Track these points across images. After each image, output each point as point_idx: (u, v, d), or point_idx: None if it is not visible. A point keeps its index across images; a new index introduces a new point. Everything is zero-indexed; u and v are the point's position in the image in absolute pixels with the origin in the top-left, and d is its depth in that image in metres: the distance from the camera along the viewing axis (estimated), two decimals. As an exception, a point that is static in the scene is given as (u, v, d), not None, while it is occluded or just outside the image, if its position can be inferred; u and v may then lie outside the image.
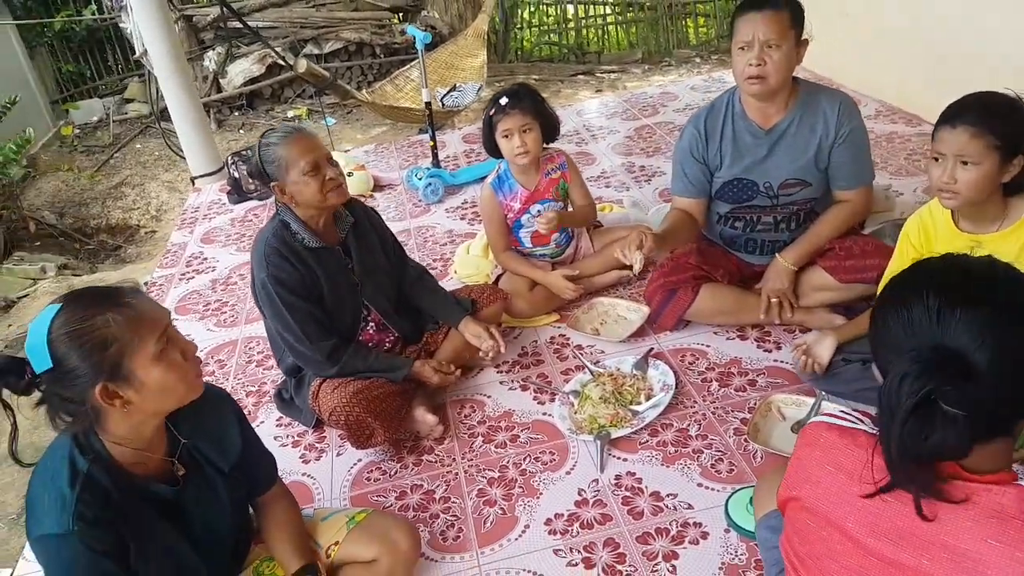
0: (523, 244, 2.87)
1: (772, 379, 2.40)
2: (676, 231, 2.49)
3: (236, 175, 4.26)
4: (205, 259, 3.76)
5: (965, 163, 1.76)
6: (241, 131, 6.85)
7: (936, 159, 1.81)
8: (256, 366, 2.87)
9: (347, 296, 2.34)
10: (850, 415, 1.20)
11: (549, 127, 2.67)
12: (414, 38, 3.83)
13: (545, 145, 2.74)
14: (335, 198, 2.20)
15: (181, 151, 4.82)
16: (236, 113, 7.14)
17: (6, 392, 1.33)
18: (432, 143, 3.97)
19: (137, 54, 4.39)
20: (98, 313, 1.30)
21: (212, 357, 2.96)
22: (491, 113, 2.62)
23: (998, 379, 0.96)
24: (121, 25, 4.98)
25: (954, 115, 1.77)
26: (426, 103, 3.91)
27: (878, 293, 1.16)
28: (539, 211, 2.77)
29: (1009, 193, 1.86)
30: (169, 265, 3.76)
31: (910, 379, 0.97)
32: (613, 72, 7.75)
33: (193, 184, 4.68)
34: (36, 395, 1.35)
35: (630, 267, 2.27)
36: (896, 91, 4.20)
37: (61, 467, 1.34)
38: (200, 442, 1.56)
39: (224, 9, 5.76)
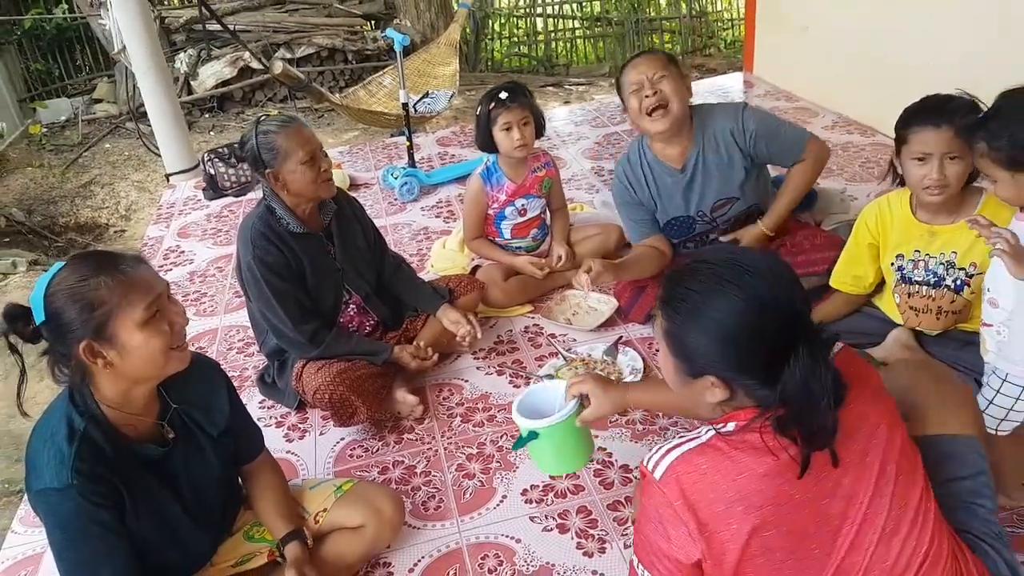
0: (502, 235, 3.00)
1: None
2: (636, 261, 2.61)
3: (212, 172, 4.31)
4: (182, 252, 3.80)
5: (953, 158, 1.92)
6: (211, 133, 6.87)
7: (921, 159, 1.95)
8: (237, 353, 2.93)
9: (329, 280, 2.43)
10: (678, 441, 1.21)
11: (539, 123, 2.81)
12: (393, 40, 3.94)
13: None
14: (325, 190, 2.31)
15: (156, 148, 4.85)
16: (206, 115, 7.16)
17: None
18: (408, 143, 4.09)
19: (115, 50, 4.41)
20: (93, 275, 1.38)
21: (193, 344, 3.01)
22: (490, 108, 2.73)
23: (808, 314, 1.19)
24: (99, 22, 5.00)
25: (935, 116, 1.92)
26: (403, 104, 4.02)
27: (666, 312, 1.24)
28: (523, 205, 2.92)
29: (963, 186, 2.01)
30: (147, 259, 3.79)
31: (814, 352, 1.11)
32: (581, 85, 7.94)
33: (168, 180, 4.71)
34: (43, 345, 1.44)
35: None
36: (851, 104, 4.42)
37: (60, 425, 1.43)
38: (190, 407, 1.64)
39: (202, 10, 5.80)
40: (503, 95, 2.73)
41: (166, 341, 1.45)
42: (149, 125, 5.61)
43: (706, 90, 5.36)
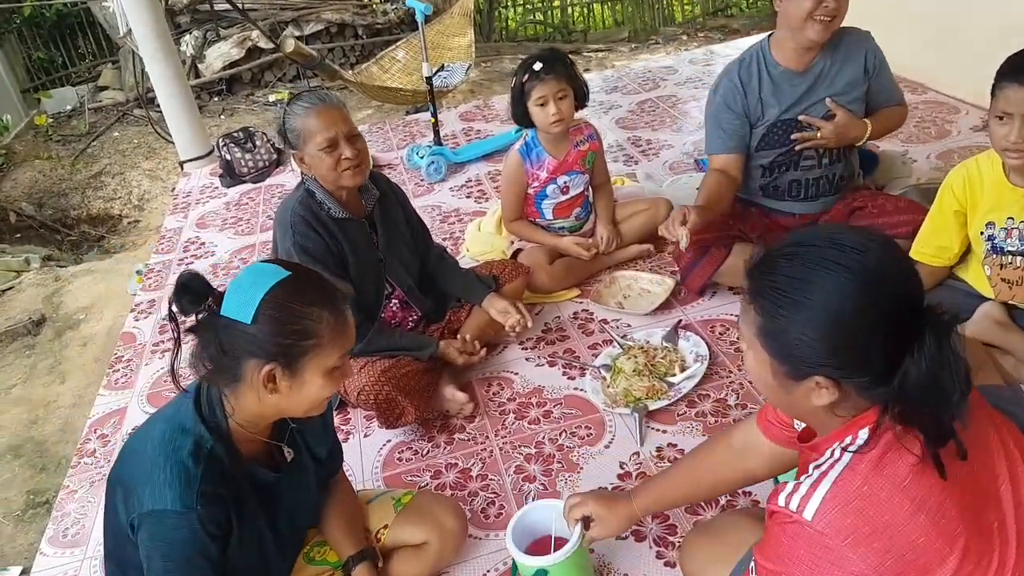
0: (543, 216, 2.80)
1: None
2: (715, 200, 2.41)
3: (228, 157, 4.13)
4: (203, 244, 3.63)
5: None
6: (221, 116, 6.67)
7: (1000, 117, 1.77)
8: (267, 350, 2.77)
9: (371, 271, 2.26)
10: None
11: (580, 93, 2.60)
12: (414, 10, 3.72)
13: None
14: (349, 178, 2.11)
15: (168, 135, 4.67)
16: (216, 99, 6.95)
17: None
18: (433, 120, 3.88)
19: (120, 34, 4.21)
20: (318, 305, 1.27)
21: (220, 342, 2.85)
22: (524, 80, 2.53)
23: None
24: (102, 4, 4.79)
25: (1019, 73, 1.72)
26: (427, 78, 3.80)
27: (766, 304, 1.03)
28: (565, 183, 2.71)
29: None
30: (165, 251, 3.63)
31: (939, 339, 0.94)
32: (600, 51, 7.67)
33: (182, 168, 4.54)
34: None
35: (676, 243, 2.21)
36: (900, 61, 4.17)
37: (183, 438, 1.27)
38: (306, 427, 1.52)
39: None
40: (537, 66, 2.51)
41: (334, 391, 1.36)
42: (158, 111, 5.46)
43: (739, 50, 5.10)
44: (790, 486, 1.03)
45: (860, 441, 1.00)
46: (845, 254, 0.97)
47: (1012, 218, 1.96)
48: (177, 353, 1.31)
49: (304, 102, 2.08)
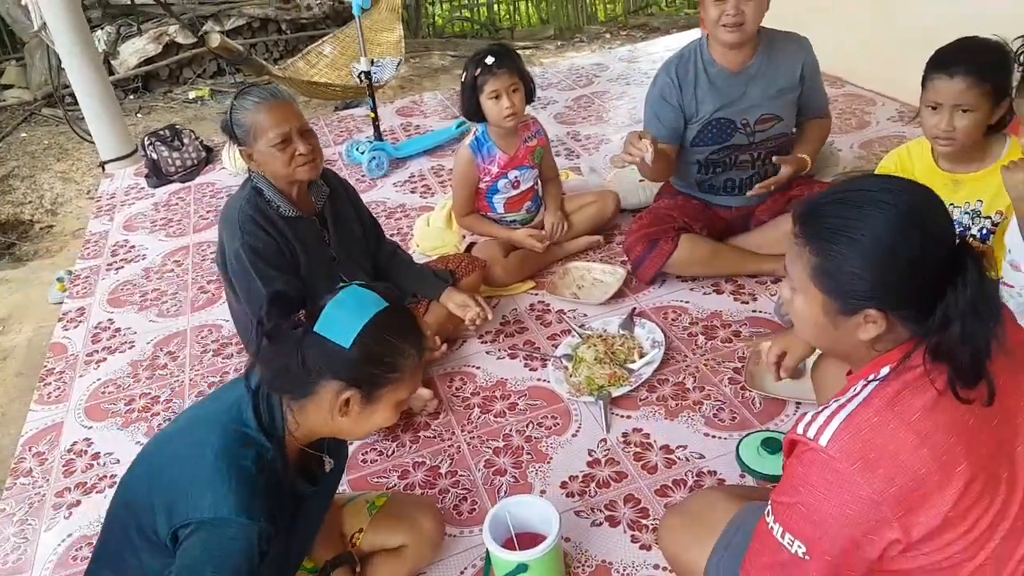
0: (495, 210, 2.79)
1: (755, 328, 2.44)
2: (664, 153, 2.44)
3: (154, 157, 3.95)
4: (132, 247, 3.46)
5: (964, 111, 1.82)
6: (138, 115, 6.37)
7: (933, 108, 1.86)
8: (213, 355, 2.66)
9: (323, 269, 2.20)
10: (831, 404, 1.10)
11: (530, 88, 2.60)
12: (341, 4, 3.65)
13: None
14: (303, 173, 2.06)
15: (87, 134, 4.43)
16: (131, 96, 6.63)
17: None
18: (373, 115, 3.81)
19: (34, 28, 3.96)
20: (408, 342, 1.30)
21: (161, 350, 2.73)
22: (476, 74, 2.51)
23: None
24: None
25: (950, 64, 1.81)
26: (365, 73, 3.73)
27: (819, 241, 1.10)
28: (516, 177, 2.72)
29: (988, 133, 1.93)
30: (92, 256, 3.44)
31: (974, 279, 1.01)
32: (528, 48, 7.69)
33: (103, 169, 4.31)
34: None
35: (640, 160, 2.25)
36: (820, 56, 4.35)
37: (245, 448, 1.24)
38: (332, 440, 1.49)
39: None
40: (489, 60, 2.51)
41: (387, 423, 1.36)
42: (72, 109, 5.17)
43: (668, 48, 5.21)
44: (809, 416, 1.10)
45: (880, 377, 1.08)
46: (891, 195, 1.06)
47: (942, 200, 2.07)
48: (255, 357, 1.29)
49: (253, 97, 2.01)
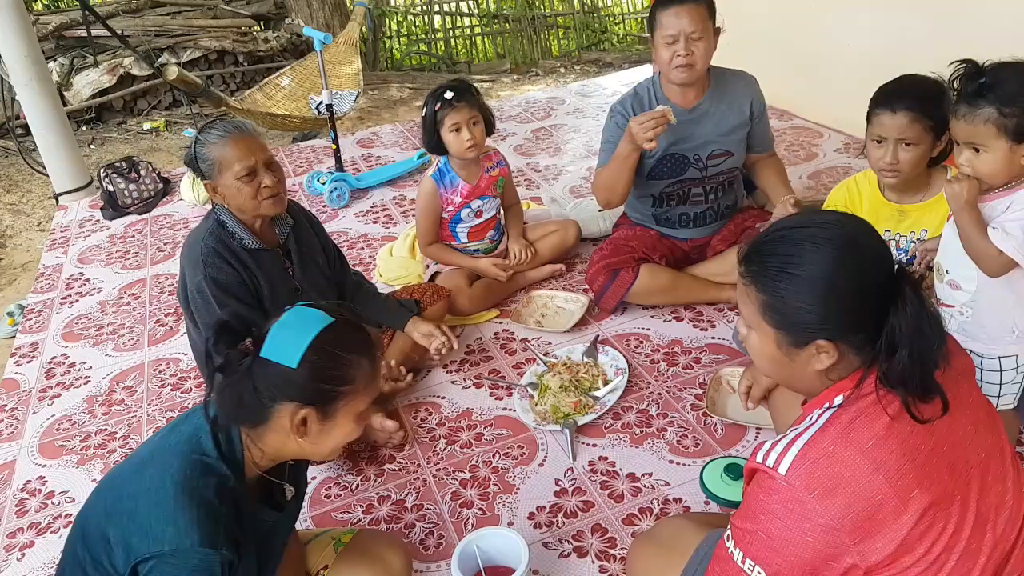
0: (458, 239, 2.82)
1: (714, 355, 2.49)
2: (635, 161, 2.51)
3: (111, 189, 3.89)
4: (87, 280, 3.39)
5: (908, 144, 1.90)
6: (91, 146, 6.27)
7: (878, 142, 1.95)
8: (171, 390, 2.61)
9: (287, 301, 2.16)
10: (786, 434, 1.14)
11: (489, 121, 2.65)
12: (299, 38, 3.67)
13: None
14: (269, 207, 2.05)
15: (40, 166, 4.34)
16: (84, 127, 6.53)
17: None
18: (334, 146, 3.82)
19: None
20: (359, 353, 1.28)
21: (118, 384, 2.66)
22: (436, 108, 2.56)
23: None
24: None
25: (893, 101, 1.91)
26: (327, 105, 3.74)
27: (765, 279, 1.15)
28: (479, 207, 2.75)
29: (930, 165, 2.02)
30: (45, 289, 3.36)
31: (916, 295, 1.06)
32: (484, 82, 7.80)
33: (57, 201, 4.22)
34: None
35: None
36: (768, 90, 4.51)
37: (206, 477, 1.21)
38: (297, 465, 1.48)
39: (85, 14, 5.25)
40: (449, 94, 2.56)
41: (356, 437, 1.34)
42: (21, 140, 5.06)
43: (621, 82, 5.34)
44: (768, 444, 1.13)
45: (836, 405, 1.12)
46: (826, 229, 1.12)
47: (889, 230, 2.15)
48: (210, 389, 1.26)
49: (218, 131, 2.00)
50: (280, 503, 1.40)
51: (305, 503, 2.08)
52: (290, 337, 1.23)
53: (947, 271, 1.78)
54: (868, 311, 1.09)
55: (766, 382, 1.88)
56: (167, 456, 1.25)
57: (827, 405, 1.13)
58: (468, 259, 2.80)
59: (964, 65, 1.55)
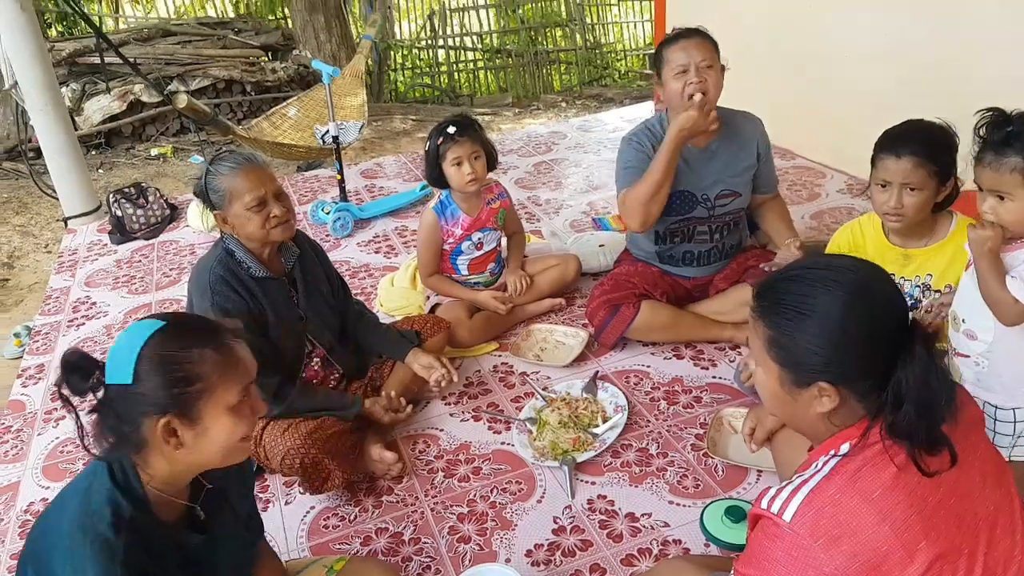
0: (459, 271, 2.84)
1: (715, 395, 2.49)
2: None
3: (119, 214, 3.93)
4: (93, 304, 3.41)
5: (912, 189, 1.93)
6: (100, 170, 6.35)
7: (882, 186, 1.97)
8: (172, 416, 2.62)
9: (292, 330, 2.21)
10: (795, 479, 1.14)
11: (491, 156, 2.69)
12: (307, 70, 3.74)
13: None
14: (278, 234, 2.10)
15: (51, 189, 4.39)
16: (93, 152, 6.61)
17: None
18: (339, 177, 3.86)
19: (5, 87, 3.97)
20: (197, 346, 1.22)
21: (117, 410, 2.67)
22: (439, 142, 2.60)
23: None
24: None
25: (898, 146, 1.93)
26: (333, 137, 3.80)
27: (774, 320, 1.17)
28: (480, 239, 2.78)
29: (935, 211, 2.04)
30: (53, 312, 3.38)
31: (925, 347, 1.07)
32: (486, 115, 7.90)
33: (66, 225, 4.26)
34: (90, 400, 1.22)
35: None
36: (771, 129, 4.57)
37: (102, 509, 1.18)
38: (226, 484, 1.43)
39: (99, 42, 5.34)
40: (451, 129, 2.61)
41: (247, 430, 1.28)
42: (32, 163, 5.12)
43: (622, 118, 5.41)
44: (773, 491, 1.13)
45: (842, 453, 1.12)
46: (840, 273, 1.14)
47: (893, 274, 2.16)
48: (82, 433, 1.23)
49: (229, 162, 2.06)
50: (205, 524, 1.37)
51: (303, 533, 2.09)
52: (120, 355, 1.20)
53: (963, 320, 1.77)
54: (876, 359, 1.09)
55: (770, 424, 1.90)
56: (69, 495, 1.25)
57: (833, 452, 1.13)
58: (468, 291, 2.83)
59: (991, 113, 1.57)
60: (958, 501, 1.11)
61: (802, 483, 1.11)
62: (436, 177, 2.68)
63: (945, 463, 1.08)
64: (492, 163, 2.72)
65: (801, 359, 1.14)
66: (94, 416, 1.21)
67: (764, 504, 1.12)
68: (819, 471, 1.12)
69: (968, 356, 1.78)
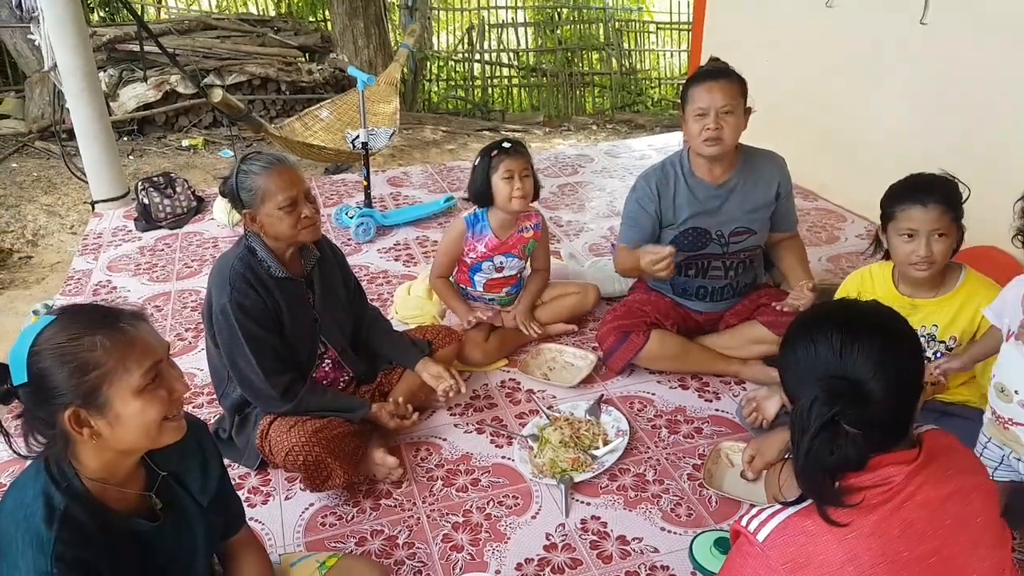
0: (475, 287, 2.89)
1: (716, 427, 2.51)
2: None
3: (146, 202, 4.01)
4: (114, 288, 3.49)
5: (940, 235, 1.96)
6: (130, 157, 6.46)
7: (909, 236, 1.99)
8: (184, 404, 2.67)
9: (306, 330, 2.26)
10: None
11: (537, 182, 2.74)
12: (344, 74, 3.82)
13: None
14: (307, 235, 2.17)
15: (82, 173, 4.49)
16: (125, 138, 6.73)
17: None
18: (365, 183, 3.93)
19: (45, 68, 4.07)
20: (88, 333, 1.20)
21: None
22: (492, 155, 2.65)
23: (890, 402, 1.15)
24: (29, 35, 4.61)
25: (922, 195, 1.96)
26: (363, 143, 3.87)
27: (787, 331, 1.31)
28: (501, 263, 2.83)
29: None
30: (73, 293, 3.46)
31: (818, 404, 1.13)
32: (516, 131, 7.98)
33: (93, 209, 4.36)
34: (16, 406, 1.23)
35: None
36: (794, 169, 4.58)
37: (35, 504, 1.21)
38: (182, 472, 1.45)
39: (139, 30, 5.48)
40: (506, 144, 2.68)
41: (163, 410, 1.26)
42: (64, 145, 5.23)
43: (651, 146, 5.46)
44: (754, 511, 1.20)
45: None
46: (816, 316, 1.28)
47: (900, 323, 2.19)
48: (8, 440, 1.26)
49: (261, 162, 2.11)
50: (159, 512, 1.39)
51: (300, 529, 2.12)
52: (15, 356, 1.21)
53: (1016, 391, 1.74)
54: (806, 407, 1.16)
55: (769, 456, 1.97)
56: (6, 495, 1.28)
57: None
58: (460, 303, 2.83)
59: None
60: (939, 562, 1.14)
61: (782, 508, 1.17)
62: (482, 191, 2.70)
63: (930, 520, 1.11)
64: (536, 192, 2.76)
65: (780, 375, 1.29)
66: (21, 419, 1.24)
67: (744, 521, 1.19)
68: (802, 502, 1.17)
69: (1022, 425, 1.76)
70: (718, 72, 2.48)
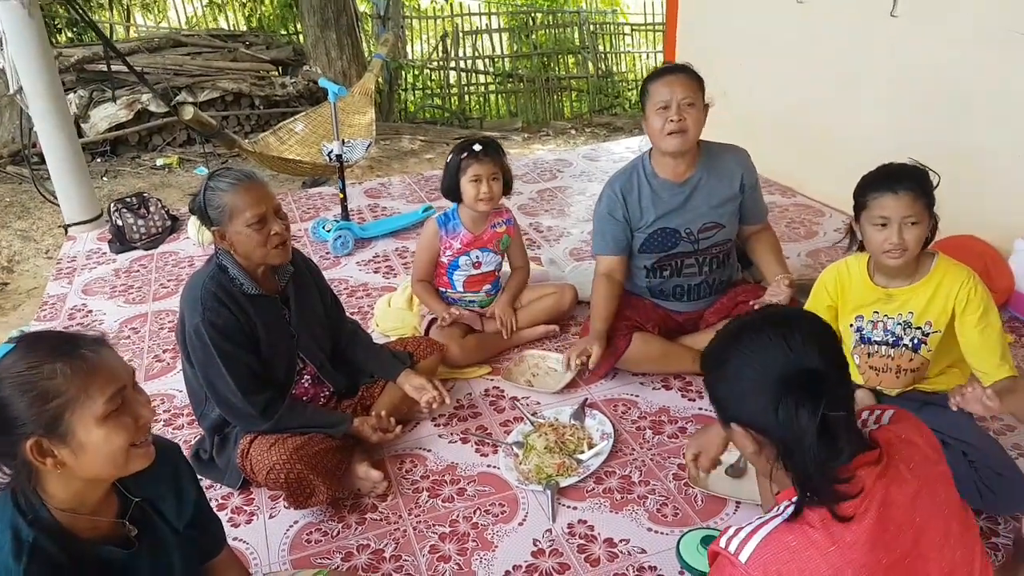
0: (455, 287, 2.89)
1: (700, 425, 2.50)
2: (610, 311, 2.65)
3: (119, 223, 3.97)
4: (89, 311, 3.44)
5: (913, 223, 1.97)
6: (104, 178, 6.40)
7: (881, 225, 2.00)
8: (164, 426, 2.64)
9: (283, 347, 2.24)
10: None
11: (508, 181, 2.76)
12: (317, 86, 3.80)
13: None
14: (276, 256, 2.13)
15: (52, 196, 4.43)
16: (98, 159, 6.67)
17: None
18: (341, 195, 3.91)
19: (10, 92, 4.02)
20: (48, 361, 1.18)
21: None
22: (462, 156, 2.67)
23: (841, 377, 1.21)
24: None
25: (893, 183, 1.98)
26: (337, 156, 3.85)
27: (702, 364, 1.33)
28: (478, 258, 2.83)
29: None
30: (48, 318, 3.41)
31: (801, 404, 1.13)
32: (495, 138, 7.98)
33: (66, 232, 4.30)
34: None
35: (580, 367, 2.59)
36: (771, 167, 4.62)
37: (3, 537, 1.19)
38: (155, 498, 1.43)
39: (106, 50, 5.42)
40: (477, 147, 2.69)
41: (129, 437, 1.24)
42: (35, 169, 5.17)
43: (629, 149, 5.48)
44: (732, 530, 1.17)
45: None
46: (748, 328, 1.27)
47: (877, 311, 2.20)
48: None
49: (229, 178, 2.08)
50: (133, 539, 1.36)
51: (285, 546, 2.10)
52: None
53: None
54: (762, 408, 1.17)
55: (714, 452, 1.99)
56: None
57: (796, 498, 1.17)
58: (440, 305, 2.83)
59: None
60: (917, 558, 1.14)
61: (761, 525, 1.15)
62: (452, 189, 2.75)
63: (905, 521, 1.12)
64: (508, 188, 2.78)
65: (714, 401, 1.30)
66: None
67: (723, 543, 1.17)
68: (780, 514, 1.16)
69: None
70: (676, 67, 2.53)
